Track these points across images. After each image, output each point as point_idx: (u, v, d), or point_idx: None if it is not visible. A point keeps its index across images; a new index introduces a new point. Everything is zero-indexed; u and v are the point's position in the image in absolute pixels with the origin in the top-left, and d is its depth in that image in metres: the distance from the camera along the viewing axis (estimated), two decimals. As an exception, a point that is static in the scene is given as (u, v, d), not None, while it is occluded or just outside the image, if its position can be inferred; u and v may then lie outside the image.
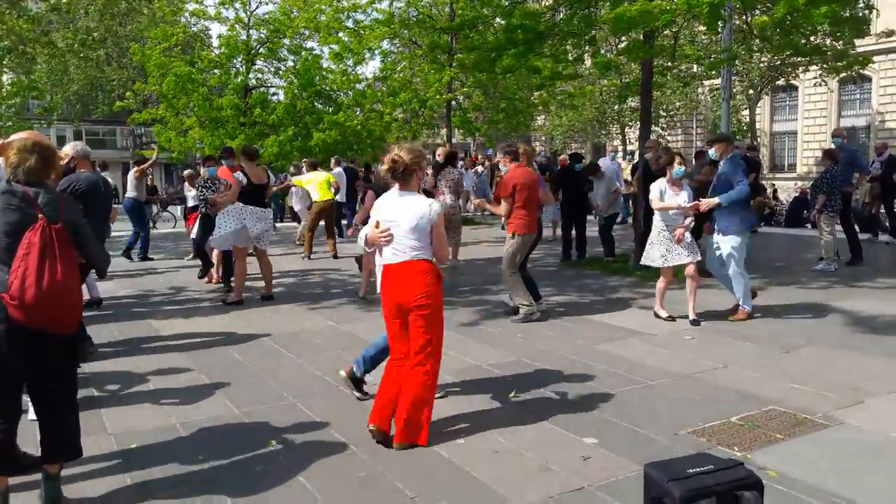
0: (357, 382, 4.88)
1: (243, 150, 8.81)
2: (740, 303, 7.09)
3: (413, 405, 4.04)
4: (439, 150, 11.20)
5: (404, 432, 4.04)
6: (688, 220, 6.98)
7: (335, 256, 12.19)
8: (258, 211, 8.23)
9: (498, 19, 13.03)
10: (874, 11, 15.23)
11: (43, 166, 3.42)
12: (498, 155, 7.81)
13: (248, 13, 21.88)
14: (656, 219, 7.05)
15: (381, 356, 4.69)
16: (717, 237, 7.15)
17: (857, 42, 14.51)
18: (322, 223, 12.60)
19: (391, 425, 4.13)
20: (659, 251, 6.98)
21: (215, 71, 22.06)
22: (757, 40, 11.96)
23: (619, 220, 13.36)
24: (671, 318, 7.02)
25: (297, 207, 15.34)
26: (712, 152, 7.26)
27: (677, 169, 6.92)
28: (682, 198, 6.87)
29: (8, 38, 16.55)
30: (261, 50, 22.33)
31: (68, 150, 6.06)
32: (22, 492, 3.52)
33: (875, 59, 15.55)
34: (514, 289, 7.25)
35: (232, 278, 8.74)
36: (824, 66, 13.77)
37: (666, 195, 6.90)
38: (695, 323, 6.87)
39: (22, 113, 31.91)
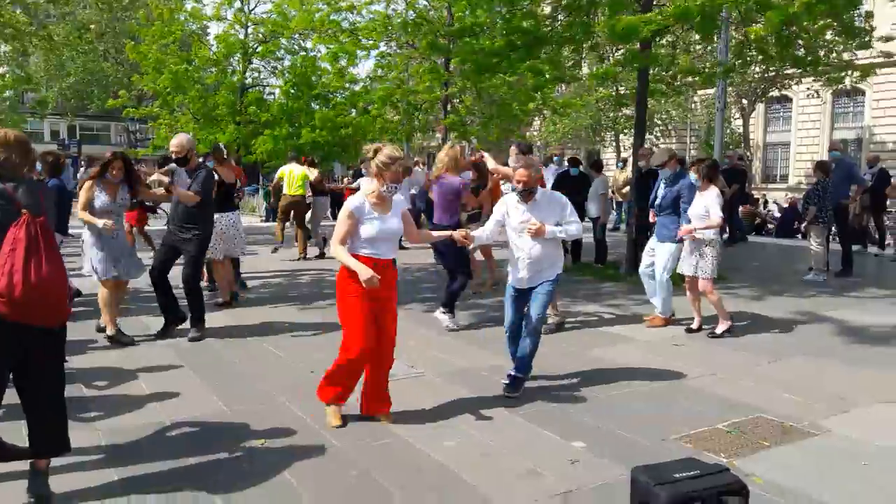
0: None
1: (212, 151, 8.99)
2: (660, 310, 7.20)
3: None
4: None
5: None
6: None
7: (304, 257, 11.97)
8: (227, 217, 8.16)
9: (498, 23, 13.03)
10: (870, 24, 15.36)
11: (23, 161, 3.38)
12: (512, 151, 7.64)
13: (246, 13, 21.88)
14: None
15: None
16: (654, 244, 7.26)
17: (851, 54, 14.63)
18: (293, 221, 12.29)
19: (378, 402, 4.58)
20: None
21: (212, 69, 22.03)
22: (754, 51, 12.01)
23: (610, 226, 13.35)
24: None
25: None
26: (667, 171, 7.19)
27: None
28: None
29: (4, 31, 16.47)
30: (258, 49, 22.32)
31: (185, 143, 6.64)
32: (10, 481, 3.52)
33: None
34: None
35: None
36: (825, 77, 13.86)
37: None
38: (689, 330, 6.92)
39: (17, 107, 31.81)
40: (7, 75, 25.42)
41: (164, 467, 3.84)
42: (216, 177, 8.05)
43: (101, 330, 6.56)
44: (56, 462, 3.62)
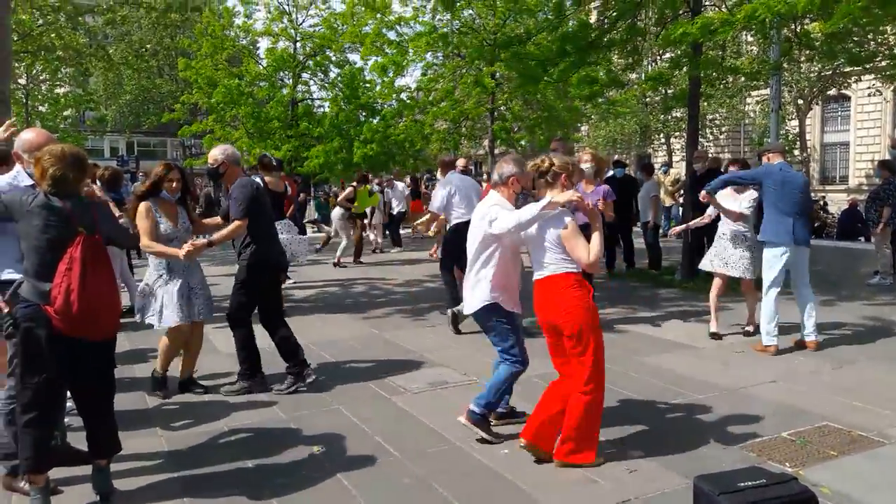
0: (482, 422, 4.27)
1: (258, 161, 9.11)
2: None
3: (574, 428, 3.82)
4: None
5: (562, 451, 3.84)
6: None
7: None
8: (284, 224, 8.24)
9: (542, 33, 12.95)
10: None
11: (81, 177, 3.46)
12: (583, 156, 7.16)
13: (296, 27, 22.27)
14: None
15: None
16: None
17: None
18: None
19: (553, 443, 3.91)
20: (707, 257, 6.94)
21: (262, 84, 22.50)
22: (807, 50, 11.66)
23: (660, 231, 13.11)
24: (716, 336, 6.72)
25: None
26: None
27: None
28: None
29: (66, 52, 17.13)
30: (307, 63, 22.68)
31: (218, 155, 5.41)
32: (77, 485, 3.64)
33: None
34: None
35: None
36: (880, 75, 13.37)
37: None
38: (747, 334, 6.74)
39: (78, 125, 32.97)
40: (68, 94, 26.44)
41: (223, 472, 3.91)
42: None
43: None
44: (122, 466, 3.74)
